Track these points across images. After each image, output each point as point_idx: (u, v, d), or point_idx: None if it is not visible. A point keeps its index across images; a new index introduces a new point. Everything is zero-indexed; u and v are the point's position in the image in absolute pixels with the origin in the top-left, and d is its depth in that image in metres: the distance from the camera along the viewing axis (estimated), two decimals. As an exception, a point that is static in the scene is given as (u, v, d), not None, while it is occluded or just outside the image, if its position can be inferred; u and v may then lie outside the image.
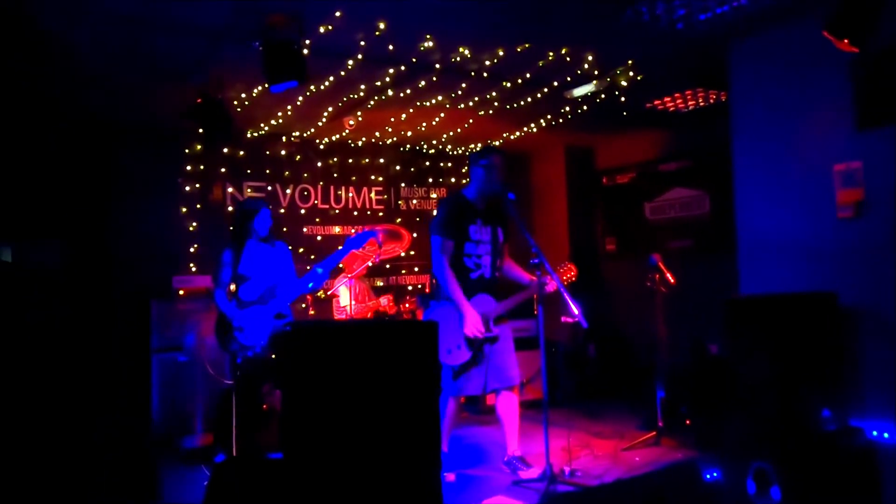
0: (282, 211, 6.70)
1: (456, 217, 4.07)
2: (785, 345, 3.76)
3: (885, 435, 3.82)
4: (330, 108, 5.74)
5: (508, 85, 5.27)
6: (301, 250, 6.70)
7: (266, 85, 3.99)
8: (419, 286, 7.42)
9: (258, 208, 4.34)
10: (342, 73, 4.80)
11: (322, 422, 2.36)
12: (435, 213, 4.20)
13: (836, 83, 4.09)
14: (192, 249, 6.17)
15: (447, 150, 7.68)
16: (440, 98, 5.55)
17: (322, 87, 5.07)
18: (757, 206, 4.53)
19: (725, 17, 4.11)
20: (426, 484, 2.50)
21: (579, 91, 5.37)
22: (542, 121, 6.43)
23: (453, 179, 7.77)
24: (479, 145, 7.42)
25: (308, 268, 4.40)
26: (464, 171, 7.76)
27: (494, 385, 4.05)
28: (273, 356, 4.24)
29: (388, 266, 7.16)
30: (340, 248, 4.37)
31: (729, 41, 4.61)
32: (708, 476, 3.66)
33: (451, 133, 6.82)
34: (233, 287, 4.36)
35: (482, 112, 6.00)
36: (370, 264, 5.81)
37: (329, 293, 6.29)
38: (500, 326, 4.08)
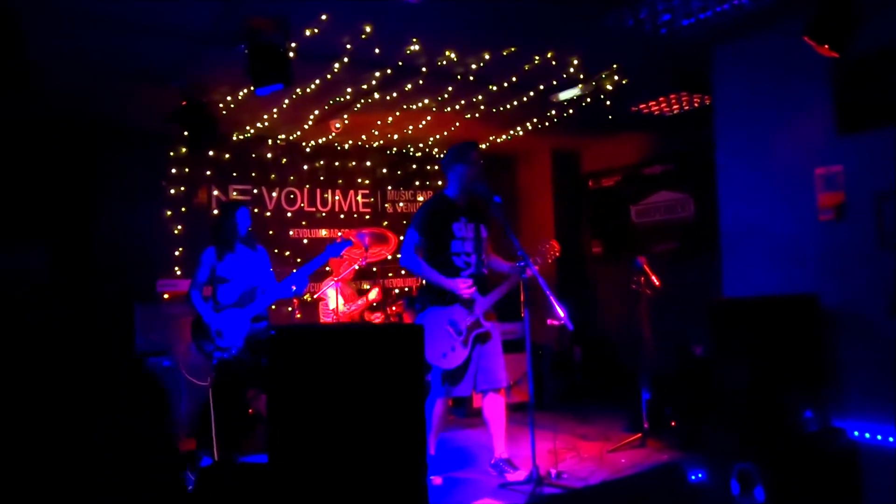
0: (268, 214, 6.67)
1: (438, 217, 4.07)
2: (767, 346, 3.80)
3: (867, 435, 3.86)
4: (316, 111, 5.73)
5: (494, 88, 5.28)
6: (287, 253, 6.67)
7: (251, 88, 3.97)
8: (406, 289, 7.41)
9: (236, 207, 4.41)
10: (328, 76, 4.79)
11: (308, 425, 2.36)
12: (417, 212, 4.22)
13: (817, 88, 4.14)
14: (176, 253, 6.13)
15: (433, 153, 7.68)
16: (426, 101, 5.56)
17: (308, 91, 5.06)
18: (740, 209, 4.58)
19: (709, 23, 4.15)
20: (413, 487, 2.50)
21: (565, 95, 5.40)
22: (528, 124, 6.45)
23: (440, 182, 7.76)
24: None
25: (294, 270, 4.42)
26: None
27: (483, 386, 4.06)
28: (250, 358, 4.26)
29: (374, 269, 7.15)
30: (321, 253, 4.46)
31: (712, 46, 4.65)
32: (693, 477, 3.69)
33: (438, 136, 6.83)
34: (210, 289, 4.37)
35: (468, 115, 6.01)
36: (357, 267, 5.82)
37: (316, 296, 6.28)
38: (490, 324, 4.08)
